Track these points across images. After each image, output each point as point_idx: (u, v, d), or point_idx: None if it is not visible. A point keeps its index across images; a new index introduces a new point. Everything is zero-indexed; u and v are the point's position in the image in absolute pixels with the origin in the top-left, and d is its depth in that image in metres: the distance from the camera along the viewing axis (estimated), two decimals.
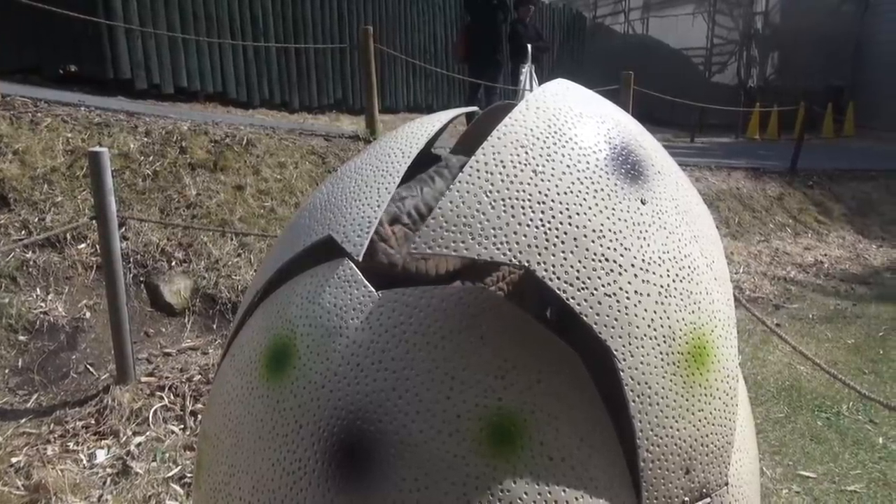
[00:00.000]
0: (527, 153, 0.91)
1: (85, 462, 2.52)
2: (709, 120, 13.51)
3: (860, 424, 3.19)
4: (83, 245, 3.49)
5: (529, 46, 7.63)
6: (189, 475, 2.49)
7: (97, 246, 3.22)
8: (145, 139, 4.26)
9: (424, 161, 1.13)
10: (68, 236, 3.46)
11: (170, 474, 2.49)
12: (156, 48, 6.34)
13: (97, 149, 2.79)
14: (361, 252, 0.93)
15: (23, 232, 3.39)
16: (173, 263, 3.64)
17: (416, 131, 1.11)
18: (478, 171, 0.89)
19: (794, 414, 3.28)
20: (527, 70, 7.68)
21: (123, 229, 3.58)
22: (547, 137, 0.93)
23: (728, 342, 0.95)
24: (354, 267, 0.93)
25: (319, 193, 1.11)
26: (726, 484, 0.93)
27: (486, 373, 0.83)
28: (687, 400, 0.88)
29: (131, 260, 3.52)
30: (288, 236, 1.10)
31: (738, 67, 15.92)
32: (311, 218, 1.07)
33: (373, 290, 0.89)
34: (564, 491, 0.82)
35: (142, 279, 3.52)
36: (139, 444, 2.63)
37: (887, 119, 12.65)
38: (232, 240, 3.90)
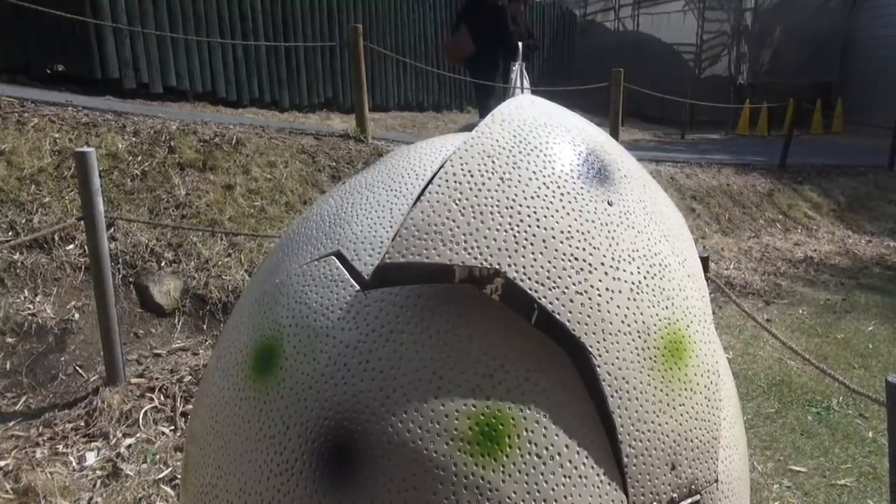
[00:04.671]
0: (493, 162, 0.93)
1: (74, 464, 2.50)
2: (699, 116, 13.55)
3: (850, 419, 3.21)
4: (71, 246, 3.47)
5: (520, 44, 7.63)
6: (179, 477, 2.47)
7: (85, 247, 3.19)
8: (133, 139, 4.23)
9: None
10: (56, 237, 3.43)
11: (160, 476, 2.47)
12: (144, 47, 6.30)
13: (84, 149, 2.77)
14: (371, 272, 0.94)
15: (10, 233, 3.36)
16: (163, 264, 3.62)
17: (430, 152, 1.12)
18: (447, 181, 0.91)
19: (785, 409, 3.29)
20: (517, 68, 7.68)
21: (112, 230, 3.55)
22: (513, 147, 0.96)
23: (706, 337, 0.97)
24: (341, 266, 0.93)
25: (327, 206, 1.11)
26: (716, 481, 0.93)
27: (473, 372, 0.83)
28: (667, 395, 0.89)
29: (120, 261, 3.50)
30: (291, 246, 1.09)
31: (728, 64, 15.97)
32: (319, 230, 1.07)
33: (360, 289, 0.89)
34: (553, 489, 0.82)
35: (131, 280, 3.50)
36: (129, 446, 2.61)
37: (876, 115, 12.71)
38: (222, 240, 3.88)
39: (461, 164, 0.92)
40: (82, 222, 2.88)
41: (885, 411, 2.42)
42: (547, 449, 0.82)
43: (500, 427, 0.82)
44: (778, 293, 5.25)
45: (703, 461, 0.91)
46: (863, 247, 6.83)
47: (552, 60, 12.46)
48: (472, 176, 0.92)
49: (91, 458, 2.54)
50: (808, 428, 3.11)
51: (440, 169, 0.93)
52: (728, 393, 1.02)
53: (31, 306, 3.16)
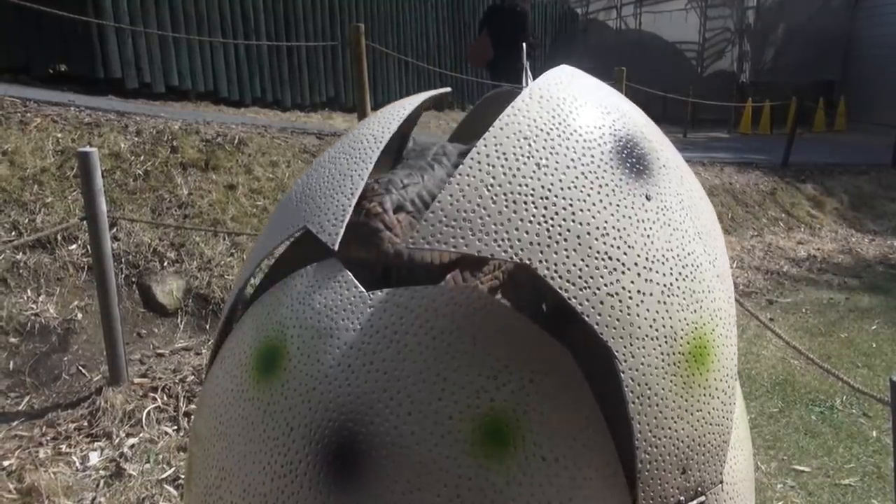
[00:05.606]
0: (529, 145, 0.88)
1: (78, 464, 2.51)
2: (701, 115, 13.53)
3: (854, 418, 3.20)
4: (74, 246, 3.47)
5: (524, 44, 7.66)
6: (183, 476, 2.48)
7: (88, 247, 3.19)
8: (136, 139, 4.23)
9: (396, 147, 1.11)
10: (59, 237, 3.44)
11: (163, 476, 2.48)
12: (146, 47, 6.30)
13: (86, 149, 2.77)
14: (337, 242, 0.92)
15: (13, 233, 3.36)
16: (165, 264, 3.62)
17: (388, 116, 1.09)
18: (479, 163, 0.85)
19: (788, 408, 3.29)
20: (521, 67, 7.69)
21: (115, 230, 3.56)
22: (551, 129, 0.90)
23: (728, 341, 0.94)
24: (344, 267, 0.92)
25: (296, 186, 1.10)
26: (721, 482, 0.93)
27: (478, 373, 0.82)
28: (686, 400, 0.87)
29: (123, 260, 3.50)
30: (267, 232, 1.09)
31: (730, 62, 15.95)
32: (288, 211, 1.06)
33: (364, 290, 0.88)
34: (558, 491, 0.81)
35: (134, 280, 3.50)
36: (132, 446, 2.62)
37: (879, 113, 12.69)
38: (224, 239, 3.88)
39: (495, 146, 0.87)
40: (85, 222, 2.89)
41: (888, 410, 2.42)
42: (552, 451, 0.82)
43: (505, 429, 0.81)
44: (781, 292, 5.24)
45: (712, 464, 0.90)
46: (866, 245, 6.82)
47: (554, 59, 12.43)
48: (506, 159, 0.86)
49: (94, 458, 2.54)
50: (811, 427, 3.11)
51: (472, 148, 0.86)
52: (737, 393, 1.01)
53: (34, 306, 3.16)
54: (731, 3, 15.66)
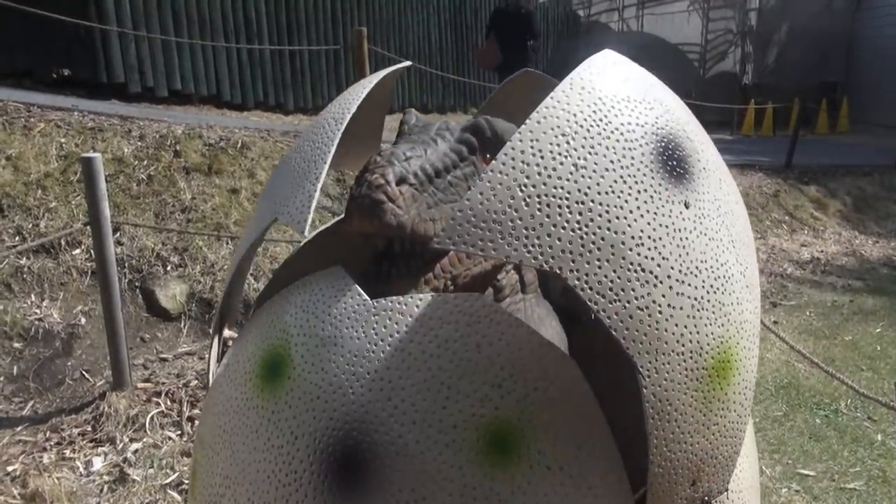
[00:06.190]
0: (568, 143, 0.82)
1: (81, 470, 2.51)
2: (704, 116, 13.50)
3: (858, 422, 3.19)
4: (78, 251, 3.48)
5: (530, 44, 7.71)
6: (186, 482, 2.48)
7: (91, 251, 3.20)
8: (139, 143, 4.24)
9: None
10: (63, 242, 3.44)
11: (167, 481, 2.48)
12: (149, 51, 6.31)
13: (90, 154, 2.78)
14: (306, 228, 0.91)
15: (17, 238, 3.37)
16: (168, 268, 3.62)
17: (348, 98, 1.07)
18: (513, 159, 0.80)
19: (793, 412, 3.28)
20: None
21: (118, 234, 3.56)
22: (591, 126, 0.84)
23: (751, 353, 0.91)
24: (348, 275, 0.92)
25: (269, 180, 1.11)
26: (727, 490, 0.92)
27: (482, 382, 0.82)
28: (704, 415, 0.85)
29: (126, 265, 3.51)
30: (245, 229, 1.10)
31: (733, 64, 15.94)
32: (262, 206, 1.06)
33: (368, 298, 0.88)
34: (563, 500, 0.81)
35: (137, 284, 3.51)
36: (136, 451, 2.62)
37: (882, 114, 12.67)
38: (227, 244, 3.89)
39: (531, 141, 0.81)
40: (88, 227, 2.89)
41: (893, 414, 2.41)
42: (556, 460, 0.81)
43: (509, 438, 0.81)
44: (784, 295, 5.23)
45: (721, 475, 0.90)
46: (870, 247, 6.80)
47: (556, 62, 12.45)
48: (542, 157, 0.81)
49: (98, 464, 2.54)
50: (816, 431, 3.10)
51: (507, 143, 0.81)
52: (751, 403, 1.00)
53: (37, 311, 3.17)
54: (734, 4, 15.65)
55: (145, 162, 4.11)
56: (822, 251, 6.49)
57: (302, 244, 1.48)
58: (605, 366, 1.17)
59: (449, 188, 0.95)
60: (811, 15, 14.62)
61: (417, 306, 0.86)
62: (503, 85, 1.48)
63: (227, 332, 1.31)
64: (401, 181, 0.89)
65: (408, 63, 1.39)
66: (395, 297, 0.87)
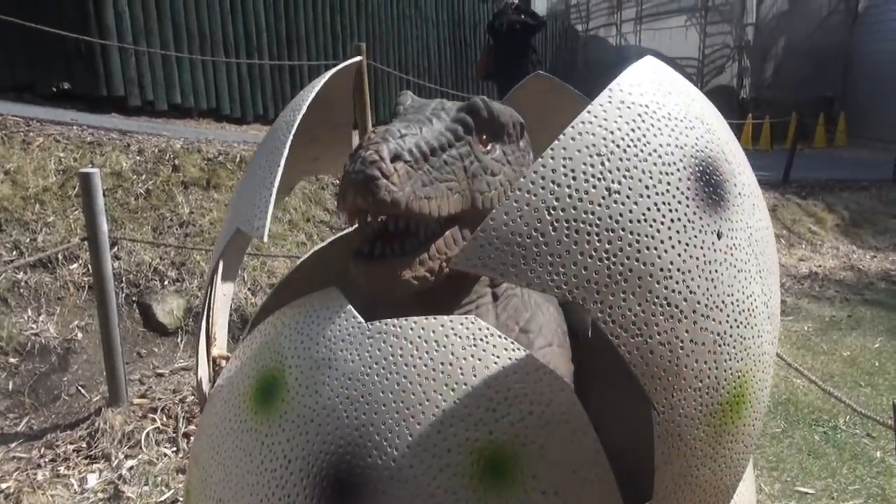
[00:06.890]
0: (603, 165, 0.77)
1: (76, 487, 2.49)
2: None
3: (857, 438, 3.18)
4: (75, 265, 3.47)
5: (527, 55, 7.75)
6: (181, 499, 2.46)
7: (89, 266, 3.20)
8: (138, 157, 4.25)
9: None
10: (60, 257, 3.44)
11: (162, 499, 2.46)
12: (149, 65, 6.34)
13: (88, 170, 2.78)
14: (264, 233, 0.91)
15: (14, 252, 3.36)
16: (166, 283, 3.62)
17: (299, 101, 1.07)
18: (542, 177, 0.75)
19: (791, 428, 3.26)
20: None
21: (116, 249, 3.56)
22: (629, 146, 0.79)
23: (764, 384, 0.90)
24: (343, 297, 0.92)
25: (234, 193, 1.13)
26: None
27: (476, 405, 0.82)
28: (713, 448, 0.84)
29: (123, 280, 3.50)
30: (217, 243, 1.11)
31: (730, 78, 16.02)
32: (226, 218, 1.08)
33: (363, 321, 0.88)
34: None
35: (134, 299, 3.50)
36: (131, 468, 2.60)
37: (879, 129, 12.72)
38: None
39: (563, 160, 0.76)
40: (86, 242, 2.89)
41: (892, 432, 2.40)
42: (551, 484, 0.81)
43: (504, 462, 0.81)
44: (783, 309, 5.22)
45: (721, 501, 0.89)
46: (867, 262, 6.80)
47: (554, 76, 12.51)
48: (574, 179, 0.76)
49: (92, 481, 2.52)
50: (814, 448, 3.08)
51: (538, 160, 0.77)
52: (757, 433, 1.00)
53: (34, 326, 3.16)
54: (731, 19, 15.77)
55: (144, 176, 4.12)
56: (819, 265, 6.50)
57: (300, 262, 1.48)
58: (601, 384, 1.17)
59: (444, 167, 0.93)
60: (808, 29, 14.72)
61: (412, 329, 0.86)
62: (514, 90, 1.47)
63: (216, 352, 1.31)
64: (395, 158, 0.87)
65: (359, 59, 1.37)
66: (389, 320, 0.87)
